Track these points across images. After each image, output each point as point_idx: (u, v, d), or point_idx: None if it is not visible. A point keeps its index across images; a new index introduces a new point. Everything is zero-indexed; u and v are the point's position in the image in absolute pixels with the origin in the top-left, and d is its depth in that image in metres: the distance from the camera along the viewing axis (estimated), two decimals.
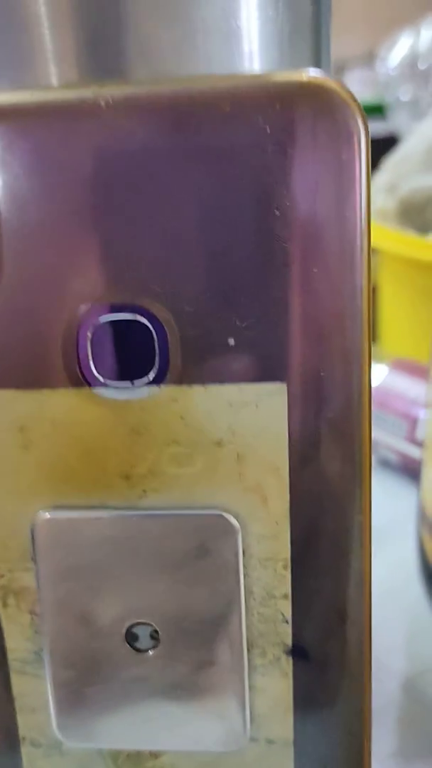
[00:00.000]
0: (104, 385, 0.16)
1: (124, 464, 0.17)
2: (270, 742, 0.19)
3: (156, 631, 0.18)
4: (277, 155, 0.15)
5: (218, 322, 0.16)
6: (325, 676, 0.18)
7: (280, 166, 0.15)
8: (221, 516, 0.17)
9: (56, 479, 0.17)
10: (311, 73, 0.15)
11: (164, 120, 0.15)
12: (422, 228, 0.48)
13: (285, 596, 0.17)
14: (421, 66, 0.63)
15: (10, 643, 0.19)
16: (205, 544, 0.17)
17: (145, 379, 0.16)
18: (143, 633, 0.18)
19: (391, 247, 0.49)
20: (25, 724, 0.19)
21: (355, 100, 0.15)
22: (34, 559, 0.18)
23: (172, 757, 0.19)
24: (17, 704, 0.19)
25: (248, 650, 0.18)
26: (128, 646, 0.18)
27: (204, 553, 0.17)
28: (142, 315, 0.16)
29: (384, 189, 0.51)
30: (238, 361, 0.16)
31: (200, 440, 0.16)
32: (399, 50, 0.66)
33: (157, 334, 0.16)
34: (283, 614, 0.17)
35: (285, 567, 0.17)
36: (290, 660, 0.18)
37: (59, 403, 0.16)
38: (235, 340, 0.16)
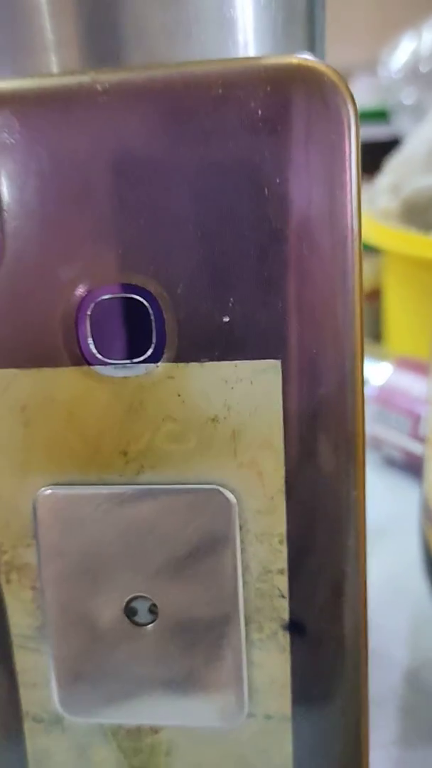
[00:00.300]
0: (103, 363, 0.17)
1: (121, 441, 0.17)
2: (268, 717, 0.19)
3: (155, 605, 0.18)
4: (268, 136, 0.15)
5: (212, 301, 0.16)
6: (322, 652, 0.18)
7: (271, 147, 0.15)
8: (218, 491, 0.17)
9: (56, 457, 0.18)
10: (302, 57, 0.15)
11: (158, 103, 0.15)
12: (425, 227, 0.48)
13: (281, 571, 0.18)
14: (424, 69, 0.64)
15: (13, 619, 0.19)
16: (202, 519, 0.17)
17: (142, 357, 0.17)
18: (142, 607, 0.18)
19: (395, 247, 0.49)
20: (27, 699, 0.20)
21: (344, 83, 0.15)
22: (35, 536, 0.18)
23: (170, 733, 0.19)
24: (20, 680, 0.19)
25: (246, 625, 0.18)
26: (127, 620, 0.18)
27: (201, 528, 0.18)
28: (139, 294, 0.16)
29: (387, 190, 0.52)
30: (233, 339, 0.16)
31: (196, 417, 0.17)
32: (401, 54, 0.66)
33: (153, 312, 0.16)
34: (279, 589, 0.18)
35: (281, 542, 0.17)
36: (287, 635, 0.18)
37: (59, 381, 0.17)
38: (229, 318, 0.16)
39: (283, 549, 0.18)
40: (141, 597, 0.18)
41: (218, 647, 0.18)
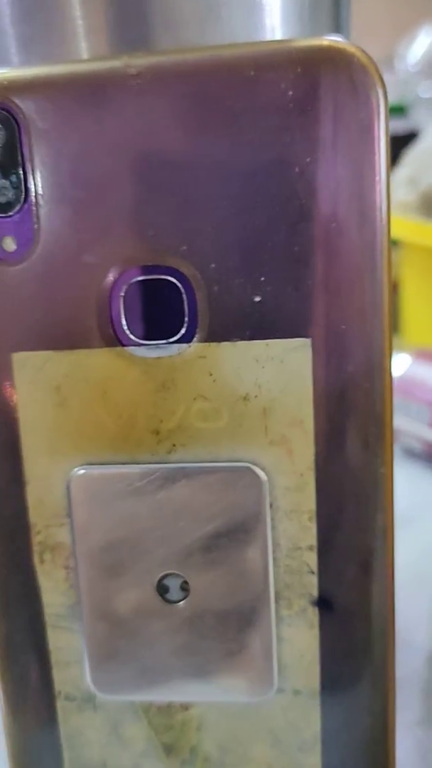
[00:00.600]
0: (136, 344, 0.17)
1: (153, 420, 0.17)
2: (297, 692, 0.19)
3: (186, 583, 0.18)
4: (299, 117, 0.15)
5: (244, 280, 0.16)
6: (350, 627, 0.19)
7: (301, 126, 0.15)
8: (249, 468, 0.17)
9: (89, 436, 0.18)
10: (332, 39, 0.15)
11: (190, 85, 0.16)
12: None
13: (311, 548, 0.18)
14: None
15: (46, 598, 0.19)
16: (233, 496, 0.18)
17: (175, 337, 0.17)
18: (174, 585, 0.19)
19: (413, 239, 0.49)
20: (60, 678, 0.20)
21: (374, 65, 0.15)
22: (69, 515, 0.18)
23: (201, 709, 0.20)
24: (53, 658, 0.20)
25: (275, 601, 0.18)
26: (159, 597, 0.19)
27: (232, 506, 0.18)
28: (171, 275, 0.17)
29: (404, 183, 0.52)
30: (264, 318, 0.17)
31: (227, 395, 0.17)
32: (418, 48, 0.66)
33: (186, 293, 0.17)
34: (308, 565, 0.18)
35: (310, 519, 0.18)
36: (316, 611, 0.18)
37: (93, 362, 0.17)
38: (261, 297, 0.16)
39: (313, 526, 0.18)
40: (172, 574, 0.18)
41: (248, 623, 0.19)
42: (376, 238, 0.16)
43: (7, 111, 0.16)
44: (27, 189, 0.16)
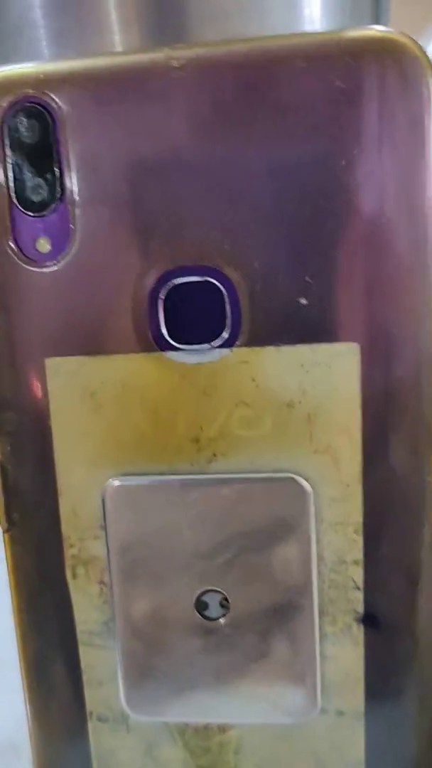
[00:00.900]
0: (175, 348, 0.16)
1: (193, 427, 0.17)
2: (340, 713, 0.18)
3: (226, 599, 0.18)
4: (347, 108, 0.15)
5: (289, 282, 0.16)
6: (397, 646, 0.18)
7: (350, 118, 0.15)
8: (293, 479, 0.17)
9: (126, 445, 0.17)
10: (382, 29, 0.15)
11: (236, 77, 0.15)
12: None
13: (356, 562, 0.17)
14: None
15: (79, 615, 0.18)
16: (276, 508, 0.17)
17: (216, 342, 0.16)
18: (213, 601, 0.18)
19: None
20: (92, 697, 0.19)
21: (425, 55, 0.15)
22: (104, 528, 0.18)
23: (240, 731, 0.19)
24: (85, 677, 0.19)
25: (319, 618, 0.18)
26: (198, 614, 0.18)
27: (275, 518, 0.17)
28: (212, 276, 0.16)
29: None
30: (310, 321, 0.16)
31: (270, 401, 0.16)
32: None
33: (228, 295, 0.16)
34: (354, 581, 0.17)
35: (356, 532, 0.17)
36: (361, 628, 0.18)
37: (130, 367, 0.17)
38: (306, 299, 0.16)
39: (359, 539, 0.17)
40: (212, 590, 0.18)
41: (291, 641, 0.18)
42: (427, 235, 0.15)
43: (42, 106, 0.15)
44: (63, 187, 0.16)
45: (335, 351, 0.16)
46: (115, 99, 0.15)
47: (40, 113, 0.15)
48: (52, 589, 0.18)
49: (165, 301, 0.16)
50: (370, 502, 0.17)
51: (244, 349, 0.16)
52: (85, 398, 0.17)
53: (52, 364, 0.17)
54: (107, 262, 0.16)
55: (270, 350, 0.16)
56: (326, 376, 0.16)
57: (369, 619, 0.18)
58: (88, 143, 0.15)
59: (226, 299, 0.16)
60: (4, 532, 0.18)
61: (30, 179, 0.16)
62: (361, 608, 0.18)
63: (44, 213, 0.16)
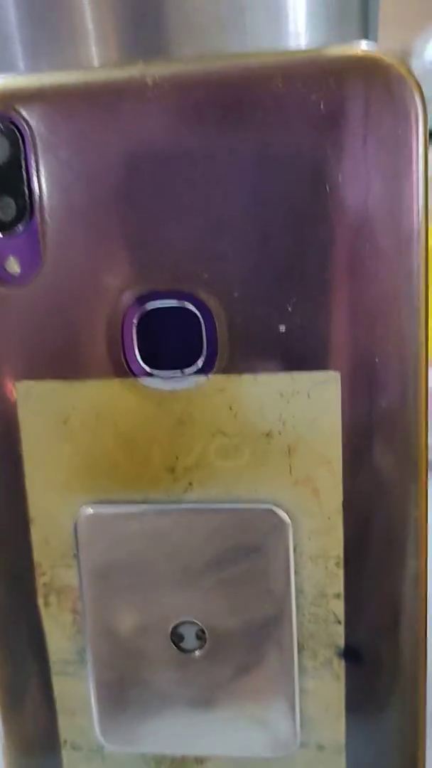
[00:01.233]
0: (150, 374, 0.16)
1: (169, 456, 0.16)
2: (321, 747, 0.18)
3: (202, 631, 0.17)
4: (331, 132, 0.14)
5: (269, 308, 0.15)
6: (379, 680, 0.17)
7: (334, 143, 0.14)
8: (271, 510, 0.16)
9: (99, 473, 0.17)
10: (365, 48, 0.14)
11: (214, 98, 0.14)
12: None
13: (337, 595, 0.17)
14: None
15: (52, 644, 0.18)
16: (253, 539, 0.16)
17: (192, 369, 0.16)
18: (189, 633, 0.17)
19: None
20: (65, 726, 0.19)
21: (411, 75, 0.14)
22: (76, 556, 0.17)
23: (217, 763, 0.18)
24: (58, 706, 0.18)
25: (298, 652, 0.17)
26: (173, 646, 0.17)
27: (252, 550, 0.16)
28: (188, 301, 0.15)
29: None
30: (289, 349, 0.15)
31: (249, 431, 0.16)
32: None
33: (204, 321, 0.15)
34: (335, 614, 0.17)
35: (338, 564, 0.16)
36: (342, 662, 0.17)
37: (103, 393, 0.16)
38: (286, 326, 0.15)
39: (340, 572, 0.16)
40: (188, 622, 0.17)
41: (269, 675, 0.17)
42: (412, 262, 0.15)
43: (11, 122, 0.15)
44: (32, 206, 0.15)
45: (316, 380, 0.15)
46: (87, 116, 0.15)
47: (9, 130, 0.15)
48: (24, 618, 0.18)
49: (140, 326, 0.15)
50: (351, 535, 0.16)
51: (221, 377, 0.16)
52: (58, 424, 0.16)
53: (22, 387, 0.16)
54: (80, 284, 0.15)
55: (248, 378, 0.15)
56: (306, 405, 0.15)
57: (350, 654, 0.17)
58: (58, 162, 0.15)
59: (203, 325, 0.15)
60: None
61: None
62: (342, 642, 0.17)
63: (13, 232, 0.15)
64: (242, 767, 0.18)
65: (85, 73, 0.15)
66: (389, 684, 0.17)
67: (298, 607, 0.17)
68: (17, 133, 0.15)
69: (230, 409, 0.16)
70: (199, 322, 0.15)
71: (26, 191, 0.15)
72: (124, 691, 0.18)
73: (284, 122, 0.14)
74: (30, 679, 0.18)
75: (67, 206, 0.15)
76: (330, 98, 0.14)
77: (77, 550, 0.17)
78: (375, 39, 0.19)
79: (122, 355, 0.16)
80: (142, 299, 0.15)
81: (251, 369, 0.15)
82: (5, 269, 0.16)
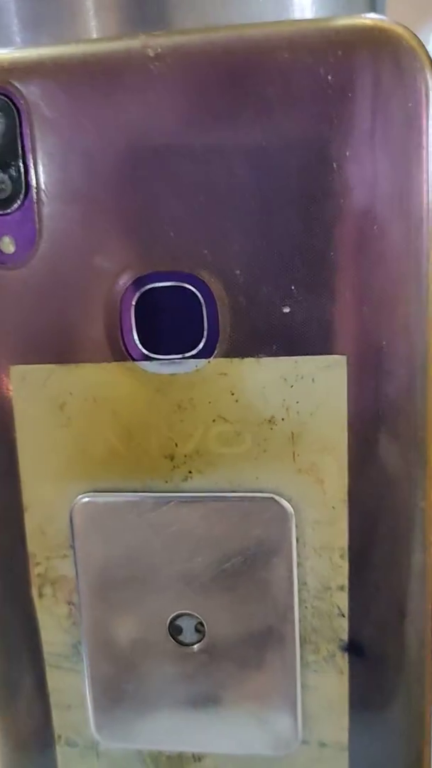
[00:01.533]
0: (149, 358, 0.15)
1: (168, 443, 0.16)
2: (323, 745, 0.17)
3: (201, 624, 0.17)
4: (339, 105, 0.14)
5: (272, 289, 0.15)
6: (383, 675, 0.17)
7: (341, 116, 0.14)
8: (273, 499, 0.16)
9: (96, 460, 0.16)
10: (376, 18, 0.14)
11: (218, 69, 0.14)
12: None
13: (341, 588, 0.16)
14: None
15: (46, 636, 0.17)
16: (255, 530, 0.16)
17: (192, 352, 0.15)
18: (188, 625, 0.17)
19: None
20: (60, 721, 0.18)
21: (423, 47, 0.14)
22: (72, 546, 0.17)
23: (216, 760, 0.18)
24: (52, 700, 0.18)
25: (300, 646, 0.17)
26: (171, 639, 0.17)
27: (254, 540, 0.16)
28: (189, 281, 0.15)
29: None
30: (294, 332, 0.15)
31: (251, 417, 0.15)
32: None
33: (205, 301, 0.15)
34: (339, 607, 0.16)
35: (342, 556, 0.16)
36: (346, 657, 0.17)
37: (101, 378, 0.15)
38: (290, 308, 0.15)
39: (344, 564, 0.16)
40: (187, 614, 0.17)
41: (270, 669, 0.17)
42: (421, 242, 0.14)
43: (7, 96, 0.14)
44: (28, 184, 0.15)
45: (320, 364, 0.15)
46: (85, 90, 0.14)
47: (5, 105, 0.14)
48: (18, 610, 0.17)
49: (139, 308, 0.15)
50: (356, 526, 0.16)
51: (223, 360, 0.15)
52: (54, 410, 0.16)
53: (17, 372, 0.16)
54: (76, 265, 0.15)
55: (250, 362, 0.15)
56: (310, 390, 0.15)
57: (354, 648, 0.17)
58: (56, 137, 0.14)
59: (204, 306, 0.15)
60: None
61: None
62: (345, 636, 0.16)
63: (8, 211, 0.15)
64: (242, 765, 0.18)
65: (83, 45, 0.14)
66: (394, 680, 0.17)
67: (300, 600, 0.16)
68: (14, 108, 0.14)
69: (231, 394, 0.15)
70: (200, 303, 0.15)
71: (22, 168, 0.15)
72: (120, 686, 0.17)
73: (290, 95, 0.14)
74: (24, 672, 0.18)
75: (65, 184, 0.15)
76: (338, 70, 0.13)
77: (73, 539, 0.17)
78: (383, 8, 0.18)
79: (120, 339, 0.15)
80: (140, 280, 0.15)
81: (254, 353, 0.15)
82: (0, 249, 0.15)
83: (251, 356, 0.15)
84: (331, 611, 0.16)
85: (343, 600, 0.16)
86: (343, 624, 0.16)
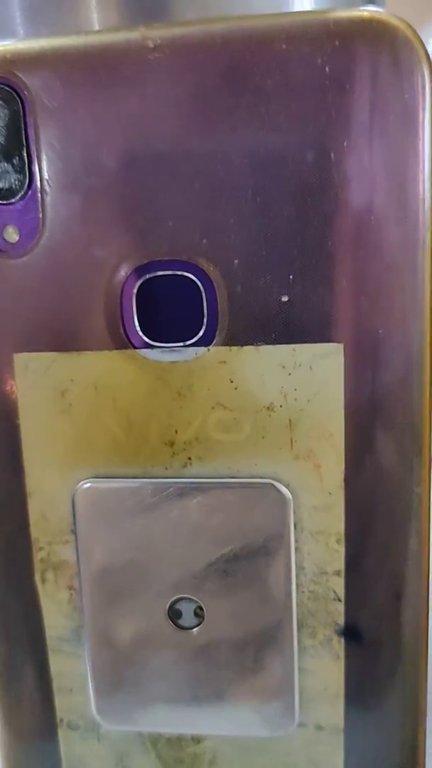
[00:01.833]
0: (149, 346, 0.15)
1: (168, 430, 0.16)
2: (319, 728, 0.18)
3: (200, 608, 0.17)
4: (336, 96, 0.14)
5: (270, 278, 0.15)
6: (380, 659, 0.17)
7: (338, 107, 0.14)
8: (271, 485, 0.16)
9: (97, 447, 0.16)
10: (373, 10, 0.14)
11: (216, 60, 0.14)
12: None
13: (338, 573, 0.16)
14: None
15: (48, 621, 0.18)
16: (253, 515, 0.16)
17: (192, 340, 0.15)
18: (187, 610, 0.17)
19: None
20: (62, 705, 0.18)
21: (419, 39, 0.14)
22: (74, 532, 0.17)
23: (214, 742, 0.18)
24: (54, 685, 0.18)
25: (298, 630, 0.17)
26: (171, 623, 0.17)
27: (252, 526, 0.16)
28: (189, 272, 0.15)
29: None
30: (291, 320, 0.15)
31: (249, 404, 0.16)
32: None
33: (205, 291, 0.15)
34: (335, 592, 0.17)
35: (338, 541, 0.16)
36: (342, 641, 0.17)
37: (102, 366, 0.16)
38: (288, 297, 0.15)
39: (341, 549, 0.16)
40: (186, 599, 0.17)
41: (268, 653, 0.17)
42: (418, 233, 0.14)
43: (11, 87, 0.15)
44: (31, 174, 0.15)
45: (318, 352, 0.15)
46: (87, 82, 0.14)
47: (8, 95, 0.15)
48: (21, 594, 0.18)
49: (139, 297, 0.15)
50: (353, 511, 0.16)
51: (222, 348, 0.15)
52: (56, 397, 0.16)
53: (20, 359, 0.16)
54: (79, 254, 0.15)
55: (249, 350, 0.15)
56: (308, 378, 0.15)
57: (350, 632, 0.17)
58: (58, 128, 0.15)
59: (203, 295, 0.15)
60: None
61: None
62: (342, 620, 0.17)
63: (12, 200, 0.15)
64: (240, 746, 0.18)
65: (84, 37, 0.15)
66: (389, 664, 0.17)
67: (298, 584, 0.17)
68: (17, 99, 0.15)
69: (230, 381, 0.15)
70: (200, 291, 0.15)
71: (25, 158, 0.15)
72: (120, 670, 0.18)
73: (288, 86, 0.14)
74: (26, 656, 0.18)
75: (67, 174, 0.15)
76: (335, 61, 0.14)
77: (75, 525, 0.17)
78: (383, 5, 0.19)
79: (121, 327, 0.15)
80: (141, 269, 0.15)
81: (252, 341, 0.15)
82: (4, 238, 0.15)
83: (250, 344, 0.15)
84: (327, 595, 0.17)
85: (339, 584, 0.16)
86: (339, 608, 0.17)
